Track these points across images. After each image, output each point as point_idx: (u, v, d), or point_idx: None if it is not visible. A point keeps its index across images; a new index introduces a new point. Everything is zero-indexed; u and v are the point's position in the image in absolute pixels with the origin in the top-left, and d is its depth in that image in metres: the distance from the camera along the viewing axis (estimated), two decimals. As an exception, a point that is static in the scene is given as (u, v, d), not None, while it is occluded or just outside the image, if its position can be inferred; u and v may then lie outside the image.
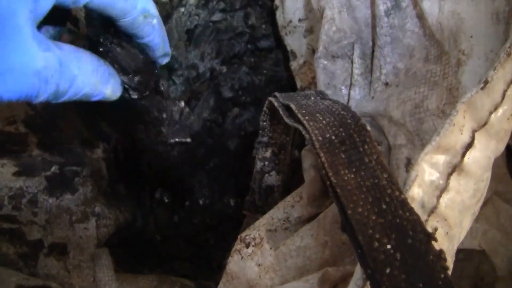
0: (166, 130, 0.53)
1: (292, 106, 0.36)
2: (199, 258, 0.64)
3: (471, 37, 0.36)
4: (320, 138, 0.31)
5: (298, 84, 0.58)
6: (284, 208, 0.42)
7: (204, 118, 0.64)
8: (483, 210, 0.45)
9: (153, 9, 0.37)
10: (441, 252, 0.25)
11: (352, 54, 0.46)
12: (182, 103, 0.58)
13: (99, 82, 0.35)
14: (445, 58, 0.38)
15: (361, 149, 0.30)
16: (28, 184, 0.50)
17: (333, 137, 0.31)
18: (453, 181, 0.29)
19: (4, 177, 0.49)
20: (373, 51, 0.45)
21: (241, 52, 0.65)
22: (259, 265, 0.40)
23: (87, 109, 0.59)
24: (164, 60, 0.43)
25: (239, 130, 0.65)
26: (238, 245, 0.42)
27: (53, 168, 0.52)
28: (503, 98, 0.29)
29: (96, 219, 0.52)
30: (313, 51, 0.56)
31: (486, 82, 0.28)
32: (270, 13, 0.63)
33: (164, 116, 0.47)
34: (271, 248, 0.40)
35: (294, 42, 0.58)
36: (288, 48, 0.59)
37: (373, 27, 0.44)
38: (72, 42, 0.37)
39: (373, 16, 0.44)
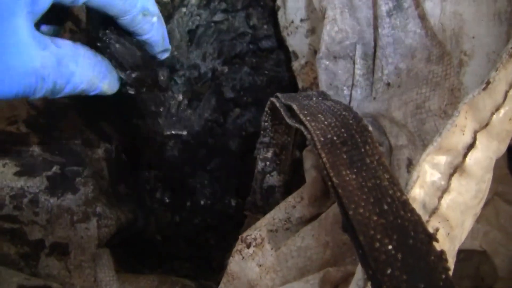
0: (163, 122, 0.53)
1: (294, 106, 0.36)
2: (200, 258, 0.64)
3: (473, 37, 0.36)
4: (322, 139, 0.31)
5: (300, 84, 0.58)
6: (285, 208, 0.42)
7: (206, 118, 0.64)
8: (484, 210, 0.45)
9: (152, 7, 0.37)
10: (442, 252, 0.25)
11: (354, 54, 0.46)
12: (180, 97, 0.58)
13: (96, 77, 0.36)
14: (447, 59, 0.38)
15: (362, 150, 0.30)
16: (29, 184, 0.50)
17: (335, 138, 0.31)
18: (455, 181, 0.29)
19: (5, 177, 0.49)
20: (375, 52, 0.45)
21: (243, 53, 0.65)
22: (260, 265, 0.40)
23: (88, 109, 0.59)
24: (164, 56, 0.43)
25: (240, 131, 0.65)
26: (239, 246, 0.42)
27: (54, 168, 0.52)
28: (505, 99, 0.29)
29: (97, 219, 0.52)
30: (315, 51, 0.56)
31: (488, 83, 0.28)
32: (271, 13, 0.63)
33: (161, 109, 0.48)
34: (272, 249, 0.40)
35: (296, 42, 0.58)
36: (290, 49, 0.59)
37: (375, 28, 0.44)
38: (71, 38, 0.38)
39: (375, 16, 0.44)
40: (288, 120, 0.37)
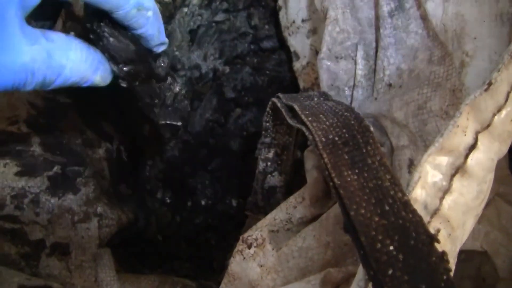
0: (158, 111, 0.53)
1: (296, 107, 0.36)
2: (200, 258, 0.64)
3: (475, 38, 0.36)
4: (323, 139, 0.31)
5: (301, 84, 0.58)
6: (286, 208, 0.42)
7: (207, 119, 0.64)
8: (485, 211, 0.45)
9: (147, 2, 0.37)
10: (443, 253, 0.25)
11: (356, 55, 0.46)
12: (177, 88, 0.58)
13: (88, 69, 0.36)
14: (449, 60, 0.37)
15: (364, 150, 0.30)
16: (30, 184, 0.50)
17: (336, 138, 0.31)
18: (456, 182, 0.29)
19: (6, 177, 0.49)
20: (376, 52, 0.44)
21: (244, 53, 0.65)
22: (261, 265, 0.40)
23: (89, 109, 0.59)
24: (160, 49, 0.43)
25: (242, 131, 0.65)
26: (240, 246, 0.42)
27: (55, 168, 0.52)
28: (506, 99, 0.29)
29: (98, 219, 0.52)
30: (316, 52, 0.56)
31: (489, 83, 0.28)
32: (273, 13, 0.63)
33: (156, 101, 0.47)
34: (273, 249, 0.40)
35: (297, 42, 0.58)
36: (291, 49, 0.59)
37: (377, 28, 0.44)
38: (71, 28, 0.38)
39: (377, 17, 0.44)
40: (290, 121, 0.37)
